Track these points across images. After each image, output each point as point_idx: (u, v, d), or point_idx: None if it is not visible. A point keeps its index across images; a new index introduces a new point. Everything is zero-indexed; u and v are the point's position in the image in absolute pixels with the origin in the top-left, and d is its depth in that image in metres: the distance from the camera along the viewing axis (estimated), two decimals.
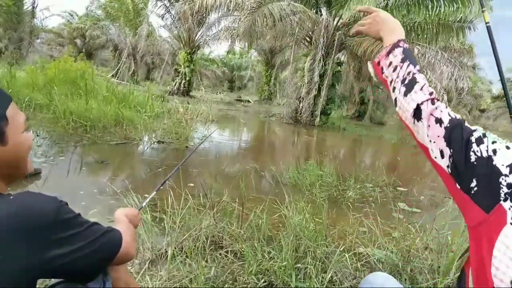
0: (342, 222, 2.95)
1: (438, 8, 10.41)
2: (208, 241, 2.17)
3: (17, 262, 0.67)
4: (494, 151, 0.65)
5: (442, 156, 0.70)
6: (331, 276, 1.93)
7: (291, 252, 1.99)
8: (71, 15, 31.39)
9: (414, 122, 0.77)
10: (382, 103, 18.32)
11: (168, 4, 18.97)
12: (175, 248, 2.06)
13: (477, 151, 0.66)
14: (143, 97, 8.90)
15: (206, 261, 2.00)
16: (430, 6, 10.52)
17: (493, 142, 0.67)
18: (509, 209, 0.60)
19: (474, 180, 0.64)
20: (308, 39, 13.20)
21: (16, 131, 0.78)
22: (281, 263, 1.93)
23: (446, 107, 0.75)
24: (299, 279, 1.89)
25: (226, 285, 1.85)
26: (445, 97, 10.99)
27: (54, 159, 4.13)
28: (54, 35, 32.31)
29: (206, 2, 12.03)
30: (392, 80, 0.86)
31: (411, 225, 2.73)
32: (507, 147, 0.66)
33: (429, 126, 0.73)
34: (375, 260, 2.13)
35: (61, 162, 4.04)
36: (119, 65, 23.23)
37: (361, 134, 12.11)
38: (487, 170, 0.64)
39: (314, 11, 12.57)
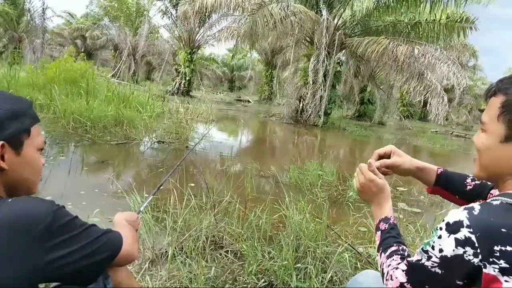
0: (342, 222, 2.95)
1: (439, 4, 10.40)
2: (208, 241, 2.17)
3: (16, 266, 0.67)
4: (441, 250, 0.69)
5: None
6: (331, 276, 1.92)
7: (291, 252, 1.99)
8: (71, 16, 31.44)
9: None
10: (382, 103, 18.29)
11: (168, 5, 18.99)
12: (175, 248, 2.06)
13: (433, 263, 0.71)
14: (143, 97, 8.90)
15: (206, 261, 2.00)
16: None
17: (433, 247, 0.71)
18: (494, 271, 0.64)
19: (457, 282, 0.69)
20: (308, 39, 13.19)
21: (32, 146, 0.84)
22: (281, 263, 1.93)
23: (401, 260, 0.80)
24: (299, 279, 1.89)
25: (226, 285, 1.85)
26: (445, 98, 10.95)
27: (55, 159, 4.13)
28: (55, 35, 32.33)
29: (207, 2, 12.03)
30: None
31: (411, 225, 2.73)
32: (438, 237, 0.70)
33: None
34: (375, 260, 2.13)
35: (61, 162, 4.05)
36: (119, 65, 23.22)
37: (361, 134, 12.11)
38: (453, 265, 0.68)
39: (314, 11, 12.56)
